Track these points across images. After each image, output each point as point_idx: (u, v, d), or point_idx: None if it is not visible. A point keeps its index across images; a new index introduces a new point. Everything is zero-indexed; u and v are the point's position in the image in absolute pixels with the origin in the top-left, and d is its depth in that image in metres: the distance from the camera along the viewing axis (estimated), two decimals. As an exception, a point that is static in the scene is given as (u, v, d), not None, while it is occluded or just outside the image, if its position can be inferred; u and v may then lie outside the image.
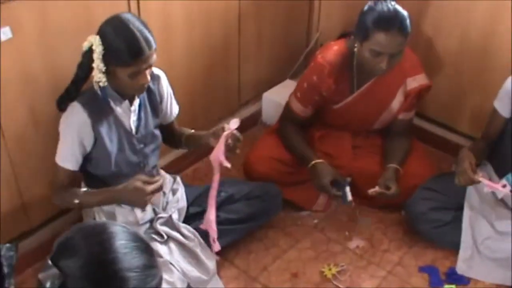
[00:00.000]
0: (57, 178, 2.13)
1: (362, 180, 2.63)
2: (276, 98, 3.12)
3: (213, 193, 2.15)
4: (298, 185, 2.75)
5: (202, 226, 2.22)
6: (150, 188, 2.02)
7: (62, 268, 1.17)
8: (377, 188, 2.48)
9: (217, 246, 2.24)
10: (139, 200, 2.03)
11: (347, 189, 2.49)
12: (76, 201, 2.07)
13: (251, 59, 3.04)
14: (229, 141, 2.07)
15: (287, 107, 2.69)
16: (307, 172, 2.63)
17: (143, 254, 1.22)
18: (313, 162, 2.54)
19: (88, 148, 2.08)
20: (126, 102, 2.10)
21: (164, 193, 2.35)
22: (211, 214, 2.20)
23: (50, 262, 1.19)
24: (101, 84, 1.97)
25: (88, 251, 1.17)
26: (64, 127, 2.05)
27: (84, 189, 2.11)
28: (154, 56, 2.00)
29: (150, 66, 2.01)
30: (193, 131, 2.28)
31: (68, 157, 2.08)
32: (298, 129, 2.70)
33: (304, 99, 2.62)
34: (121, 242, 1.19)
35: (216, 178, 2.09)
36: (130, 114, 2.12)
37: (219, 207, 2.39)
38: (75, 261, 1.17)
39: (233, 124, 2.04)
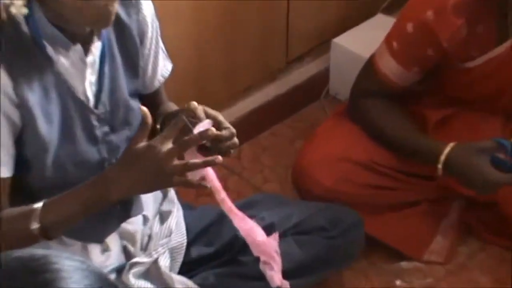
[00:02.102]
0: None
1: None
2: (357, 47, 2.67)
3: (227, 206, 1.84)
4: (394, 211, 2.33)
5: (256, 254, 1.94)
6: (186, 143, 1.66)
7: None
8: None
9: (278, 280, 1.92)
10: (162, 175, 1.68)
11: None
12: (35, 226, 1.72)
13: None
14: (207, 143, 1.77)
15: (372, 68, 2.26)
16: (414, 186, 2.29)
17: None
18: (446, 150, 2.12)
19: (18, 132, 1.77)
20: (78, 47, 1.74)
21: (145, 218, 1.95)
22: (253, 233, 1.90)
23: None
24: (14, 10, 1.66)
25: None
26: None
27: (37, 204, 1.74)
28: None
29: None
30: (177, 108, 2.00)
31: None
32: (396, 104, 2.28)
33: (405, 55, 2.18)
34: (73, 287, 1.01)
35: (219, 192, 1.81)
36: (84, 71, 1.78)
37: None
38: None
39: (204, 126, 1.74)
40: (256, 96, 2.74)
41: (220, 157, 1.62)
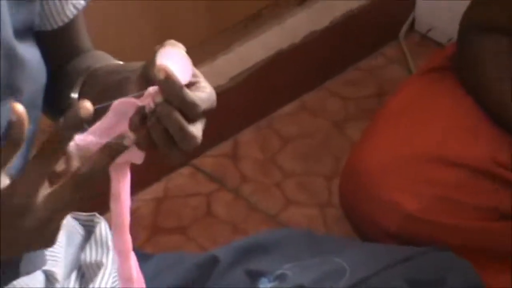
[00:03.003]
0: None
1: None
2: None
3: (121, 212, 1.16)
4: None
5: None
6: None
7: None
8: None
9: None
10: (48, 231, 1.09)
11: None
12: None
13: None
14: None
15: None
16: None
17: None
18: None
19: None
20: None
21: (49, 278, 1.51)
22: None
23: None
24: None
25: None
26: None
27: None
28: None
29: None
30: (120, 63, 1.37)
31: None
32: None
33: None
34: None
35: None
36: None
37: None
38: None
39: (146, 99, 1.06)
40: (269, 35, 2.03)
41: (130, 135, 1.06)
